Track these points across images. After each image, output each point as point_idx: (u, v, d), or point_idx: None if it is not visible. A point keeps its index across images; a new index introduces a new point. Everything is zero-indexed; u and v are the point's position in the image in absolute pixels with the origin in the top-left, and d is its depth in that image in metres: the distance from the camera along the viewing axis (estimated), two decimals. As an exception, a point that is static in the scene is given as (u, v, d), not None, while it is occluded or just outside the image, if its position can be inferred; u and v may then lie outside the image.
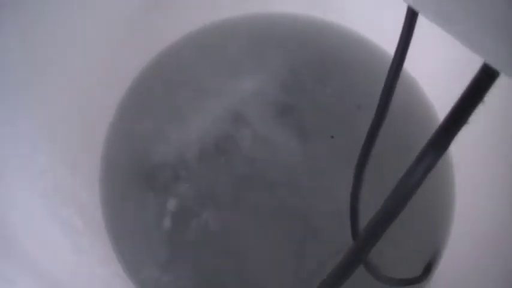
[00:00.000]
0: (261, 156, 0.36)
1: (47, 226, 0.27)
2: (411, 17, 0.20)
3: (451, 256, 0.33)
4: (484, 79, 0.15)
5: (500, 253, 0.28)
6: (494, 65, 0.13)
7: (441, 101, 0.35)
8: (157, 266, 0.33)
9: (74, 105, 0.32)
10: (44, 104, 0.29)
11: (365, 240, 0.18)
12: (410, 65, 0.37)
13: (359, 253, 0.18)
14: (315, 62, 0.39)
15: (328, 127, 0.36)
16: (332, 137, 0.36)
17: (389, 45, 0.37)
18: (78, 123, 0.33)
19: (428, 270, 0.32)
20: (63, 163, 0.30)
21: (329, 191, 0.35)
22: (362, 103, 0.36)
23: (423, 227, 0.35)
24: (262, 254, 0.33)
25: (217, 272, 0.33)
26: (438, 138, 0.16)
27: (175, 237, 0.34)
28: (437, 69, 0.34)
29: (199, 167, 0.35)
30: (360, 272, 0.28)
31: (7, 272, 0.22)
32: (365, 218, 0.20)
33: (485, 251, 0.30)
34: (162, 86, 0.38)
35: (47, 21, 0.28)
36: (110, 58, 0.35)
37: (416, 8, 0.15)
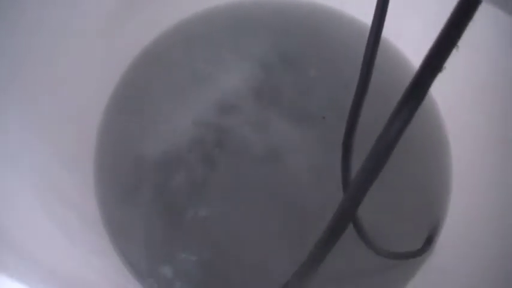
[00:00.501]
0: (254, 143, 0.36)
1: (40, 223, 0.27)
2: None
3: (450, 229, 0.33)
4: (463, 11, 0.15)
5: (498, 225, 0.28)
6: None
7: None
8: (154, 258, 0.33)
9: (64, 101, 0.32)
10: (33, 100, 0.29)
11: (352, 198, 0.18)
12: (396, 38, 0.38)
13: (348, 209, 0.18)
14: (303, 44, 0.39)
15: (319, 108, 0.36)
16: (323, 117, 0.36)
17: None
18: (69, 118, 0.33)
19: (429, 242, 0.32)
20: (55, 160, 0.30)
21: (325, 172, 0.34)
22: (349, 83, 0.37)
23: (421, 200, 0.35)
24: (259, 241, 0.33)
25: (217, 261, 0.33)
26: (415, 86, 0.16)
27: (172, 227, 0.33)
28: (423, 40, 0.34)
29: (192, 158, 0.35)
30: (360, 248, 0.29)
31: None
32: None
33: (484, 223, 0.30)
34: (154, 76, 0.38)
35: (33, 17, 0.28)
36: (100, 50, 0.35)
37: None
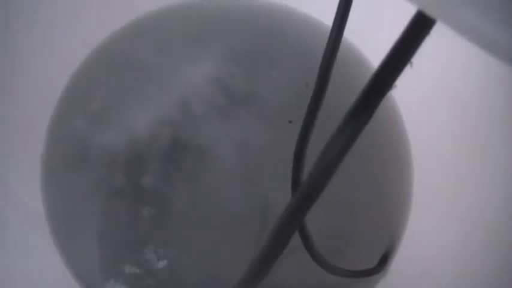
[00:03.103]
0: (215, 148, 0.34)
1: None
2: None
3: (407, 248, 0.32)
4: (416, 31, 0.14)
5: (456, 247, 0.28)
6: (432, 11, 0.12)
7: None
8: (101, 259, 0.31)
9: (12, 99, 0.30)
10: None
11: (289, 216, 0.16)
12: (357, 39, 0.37)
13: (295, 212, 0.17)
14: (260, 44, 0.38)
15: (282, 107, 0.35)
16: (290, 121, 0.34)
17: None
18: (17, 118, 0.31)
19: (383, 261, 0.31)
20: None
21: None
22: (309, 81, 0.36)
23: (380, 219, 0.34)
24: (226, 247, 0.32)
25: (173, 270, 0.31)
26: (360, 103, 0.15)
27: (121, 229, 0.32)
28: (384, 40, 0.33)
29: (148, 159, 0.34)
30: (312, 266, 0.27)
31: None
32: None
33: (442, 244, 0.29)
34: (107, 74, 0.37)
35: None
36: (50, 48, 0.33)
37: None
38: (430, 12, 0.12)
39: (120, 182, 0.33)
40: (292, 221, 0.17)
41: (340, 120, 0.16)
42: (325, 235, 0.28)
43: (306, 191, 0.16)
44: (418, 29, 0.14)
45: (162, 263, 0.31)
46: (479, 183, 0.28)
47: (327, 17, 0.38)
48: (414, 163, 0.35)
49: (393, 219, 0.34)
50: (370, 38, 0.34)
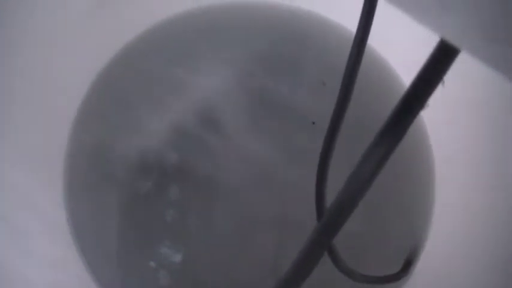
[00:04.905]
0: (236, 152, 0.34)
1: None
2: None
3: (430, 254, 0.32)
4: (441, 57, 0.13)
5: (480, 253, 0.28)
6: (453, 40, 0.12)
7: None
8: (123, 268, 0.31)
9: (34, 105, 0.30)
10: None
11: (324, 229, 0.16)
12: (382, 47, 0.36)
13: (322, 237, 0.17)
14: (284, 50, 0.37)
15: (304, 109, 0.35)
16: (313, 123, 0.34)
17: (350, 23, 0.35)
18: (39, 123, 0.31)
19: (407, 267, 0.31)
20: (15, 162, 0.28)
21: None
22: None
23: (402, 223, 0.33)
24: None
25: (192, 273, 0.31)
26: (391, 125, 0.15)
27: (143, 234, 0.32)
28: (408, 49, 0.33)
29: (167, 165, 0.33)
30: (335, 273, 0.27)
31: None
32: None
33: (466, 249, 0.29)
34: (126, 82, 0.37)
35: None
36: (71, 54, 0.33)
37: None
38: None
39: (141, 188, 0.33)
40: (320, 245, 0.16)
41: (371, 141, 0.15)
42: (345, 241, 0.27)
43: (333, 217, 0.16)
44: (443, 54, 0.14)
45: (180, 264, 0.31)
46: (503, 185, 0.28)
47: (344, 19, 0.38)
48: (436, 166, 0.35)
49: (415, 223, 0.33)
50: (389, 40, 0.34)
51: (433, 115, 0.33)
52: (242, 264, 0.32)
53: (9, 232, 0.26)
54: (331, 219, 0.16)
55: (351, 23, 0.37)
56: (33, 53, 0.30)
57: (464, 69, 0.28)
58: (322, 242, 0.17)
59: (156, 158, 0.34)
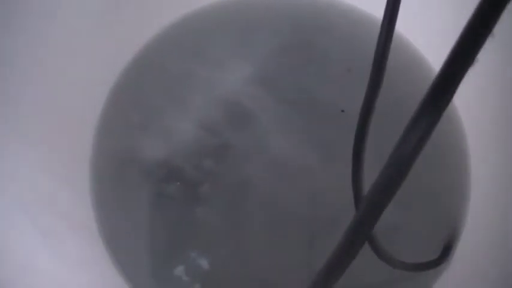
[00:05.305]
0: (264, 146, 0.34)
1: (25, 236, 0.25)
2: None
3: (469, 237, 0.31)
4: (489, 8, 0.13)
5: None
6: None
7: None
8: (154, 268, 0.31)
9: (56, 108, 0.30)
10: (22, 108, 0.27)
11: (364, 217, 0.16)
12: (405, 29, 0.36)
13: (362, 226, 0.16)
14: (304, 36, 0.37)
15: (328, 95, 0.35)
16: (342, 111, 0.34)
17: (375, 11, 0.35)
18: (62, 127, 0.31)
19: (446, 252, 0.30)
20: (42, 166, 0.28)
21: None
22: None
23: (438, 208, 0.33)
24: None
25: (223, 273, 0.31)
26: (436, 90, 0.14)
27: (171, 233, 0.32)
28: (434, 31, 0.32)
29: (194, 164, 0.33)
30: (373, 260, 0.27)
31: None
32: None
33: (504, 230, 0.28)
34: (153, 76, 0.36)
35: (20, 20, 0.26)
36: (92, 54, 0.33)
37: None
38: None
39: (169, 188, 0.33)
40: (362, 230, 0.16)
41: (409, 119, 0.15)
42: (381, 227, 0.27)
43: (375, 200, 0.15)
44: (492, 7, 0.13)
45: (211, 264, 0.31)
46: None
47: (365, 4, 0.37)
48: (470, 151, 0.34)
49: (451, 210, 0.32)
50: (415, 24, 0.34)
51: (466, 102, 0.33)
52: (274, 263, 0.31)
53: (39, 236, 0.26)
54: (374, 201, 0.16)
55: (371, 8, 0.38)
56: (53, 60, 0.30)
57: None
58: (366, 226, 0.17)
59: (182, 158, 0.33)
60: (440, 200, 0.33)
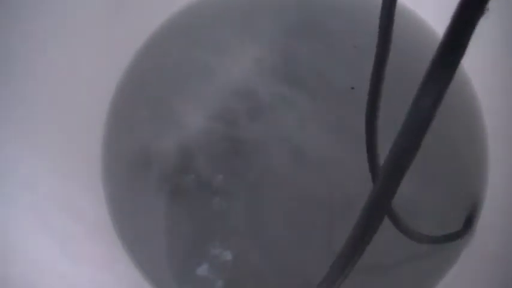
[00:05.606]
0: (278, 132, 0.33)
1: (38, 238, 0.25)
2: None
3: (491, 207, 0.31)
4: None
5: None
6: None
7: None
8: (173, 263, 0.31)
9: (65, 102, 0.30)
10: (31, 104, 0.27)
11: (384, 184, 0.15)
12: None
13: (381, 198, 0.16)
14: (309, 14, 0.36)
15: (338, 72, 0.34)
16: (352, 88, 0.33)
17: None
18: (71, 121, 0.31)
19: (469, 223, 0.30)
20: (53, 168, 0.28)
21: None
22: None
23: (458, 178, 0.32)
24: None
25: (245, 267, 0.31)
26: (445, 51, 0.14)
27: (187, 228, 0.31)
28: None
29: (208, 155, 0.33)
30: (395, 234, 0.26)
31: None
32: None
33: None
34: (160, 68, 0.36)
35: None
36: (99, 46, 0.32)
37: None
38: None
39: (182, 180, 0.32)
40: (384, 199, 0.15)
41: (420, 83, 0.14)
42: (401, 201, 0.26)
43: (396, 161, 0.15)
44: None
45: (233, 255, 0.31)
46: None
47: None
48: (487, 122, 0.33)
49: (472, 183, 0.32)
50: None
51: (483, 77, 0.32)
52: (295, 248, 0.31)
53: (54, 238, 0.26)
54: (395, 165, 0.15)
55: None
56: (57, 57, 0.29)
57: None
58: (385, 196, 0.16)
59: (195, 149, 0.33)
60: (459, 170, 0.32)
